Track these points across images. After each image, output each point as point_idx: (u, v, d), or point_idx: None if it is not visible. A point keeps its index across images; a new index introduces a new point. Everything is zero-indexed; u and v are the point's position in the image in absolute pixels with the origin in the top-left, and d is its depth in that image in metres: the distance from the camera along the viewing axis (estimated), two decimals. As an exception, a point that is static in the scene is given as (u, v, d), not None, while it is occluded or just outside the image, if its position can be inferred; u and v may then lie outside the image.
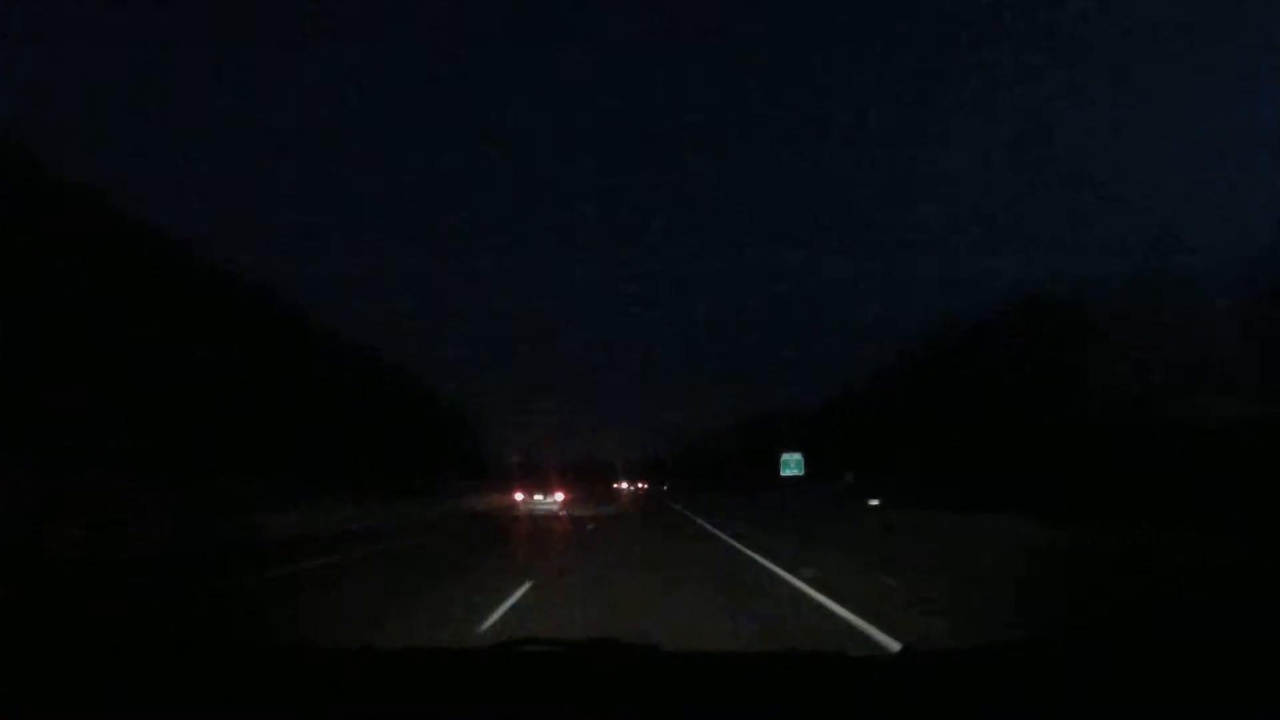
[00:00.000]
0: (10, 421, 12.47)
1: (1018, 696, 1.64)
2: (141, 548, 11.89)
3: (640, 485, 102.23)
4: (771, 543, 14.66)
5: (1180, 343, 18.22)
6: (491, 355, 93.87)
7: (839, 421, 38.38)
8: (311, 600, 8.44)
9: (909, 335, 34.12)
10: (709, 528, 20.60)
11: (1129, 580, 8.71)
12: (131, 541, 12.07)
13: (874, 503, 23.20)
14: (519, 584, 8.76)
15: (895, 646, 5.44)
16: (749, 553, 13.08)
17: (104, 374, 15.12)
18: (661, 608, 7.55)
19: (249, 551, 13.06)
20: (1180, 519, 10.68)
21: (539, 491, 33.56)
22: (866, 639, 5.91)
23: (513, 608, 7.41)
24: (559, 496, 32.77)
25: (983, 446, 22.91)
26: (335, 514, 19.84)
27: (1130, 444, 16.17)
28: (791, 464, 33.34)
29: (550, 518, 27.81)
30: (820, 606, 7.49)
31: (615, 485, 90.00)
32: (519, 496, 35.92)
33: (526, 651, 2.03)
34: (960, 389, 26.87)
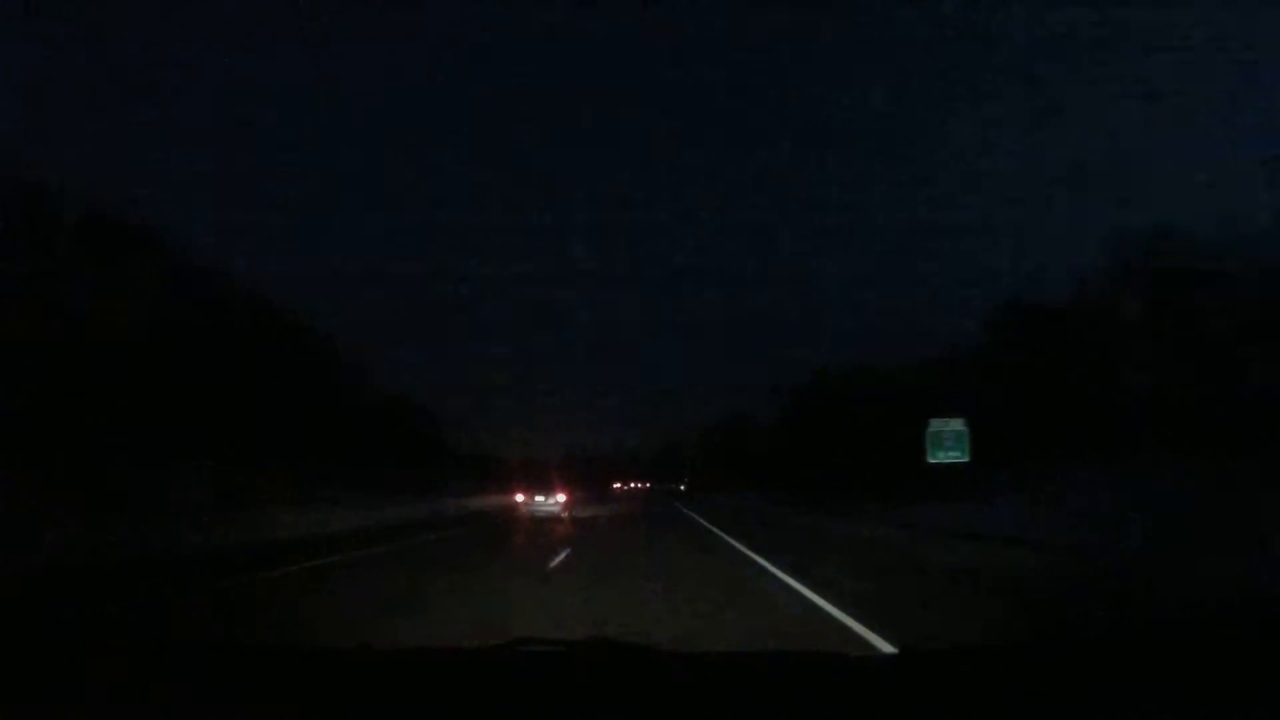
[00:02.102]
0: (18, 421, 12.48)
1: (1017, 696, 1.63)
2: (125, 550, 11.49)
3: (637, 484, 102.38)
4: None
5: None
6: (490, 349, 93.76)
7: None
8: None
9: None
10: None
11: None
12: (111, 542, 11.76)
13: None
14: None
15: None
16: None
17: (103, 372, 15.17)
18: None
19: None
20: None
21: (540, 492, 33.42)
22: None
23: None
24: (561, 498, 32.63)
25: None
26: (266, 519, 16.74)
27: None
28: (947, 438, 19.49)
29: (534, 522, 27.24)
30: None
31: (615, 485, 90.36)
32: (519, 498, 35.86)
33: (524, 651, 2.02)
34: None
